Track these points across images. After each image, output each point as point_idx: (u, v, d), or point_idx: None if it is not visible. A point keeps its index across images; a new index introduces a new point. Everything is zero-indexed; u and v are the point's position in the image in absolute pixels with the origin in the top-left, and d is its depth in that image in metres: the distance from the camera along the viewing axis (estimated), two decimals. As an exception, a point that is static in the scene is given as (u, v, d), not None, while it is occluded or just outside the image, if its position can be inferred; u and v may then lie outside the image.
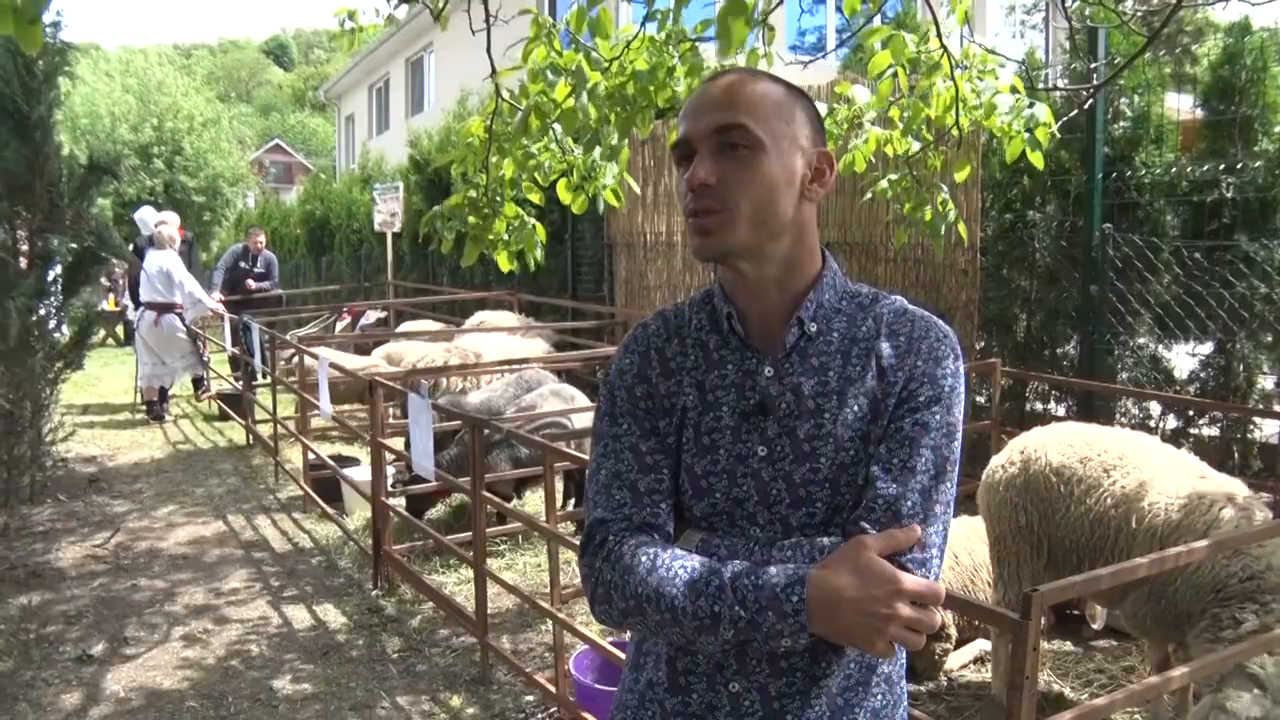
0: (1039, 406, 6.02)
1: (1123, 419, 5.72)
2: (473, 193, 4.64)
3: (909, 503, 1.31)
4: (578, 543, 1.49)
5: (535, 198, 4.75)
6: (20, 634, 4.67)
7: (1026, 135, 3.93)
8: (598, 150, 4.41)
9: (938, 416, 1.35)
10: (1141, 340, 5.54)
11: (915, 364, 1.37)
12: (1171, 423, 5.60)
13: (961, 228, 4.38)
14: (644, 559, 1.34)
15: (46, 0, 2.34)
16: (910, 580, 1.23)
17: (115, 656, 4.49)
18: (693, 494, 1.42)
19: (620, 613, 1.36)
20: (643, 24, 4.42)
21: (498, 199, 4.66)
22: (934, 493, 1.33)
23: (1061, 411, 5.95)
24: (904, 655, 1.49)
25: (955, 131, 3.89)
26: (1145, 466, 3.49)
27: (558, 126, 4.44)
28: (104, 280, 15.50)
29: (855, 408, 1.37)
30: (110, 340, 17.02)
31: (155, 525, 6.56)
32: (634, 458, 1.43)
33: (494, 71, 4.31)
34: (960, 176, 4.34)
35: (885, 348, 1.39)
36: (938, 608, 1.26)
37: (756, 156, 1.37)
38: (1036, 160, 3.94)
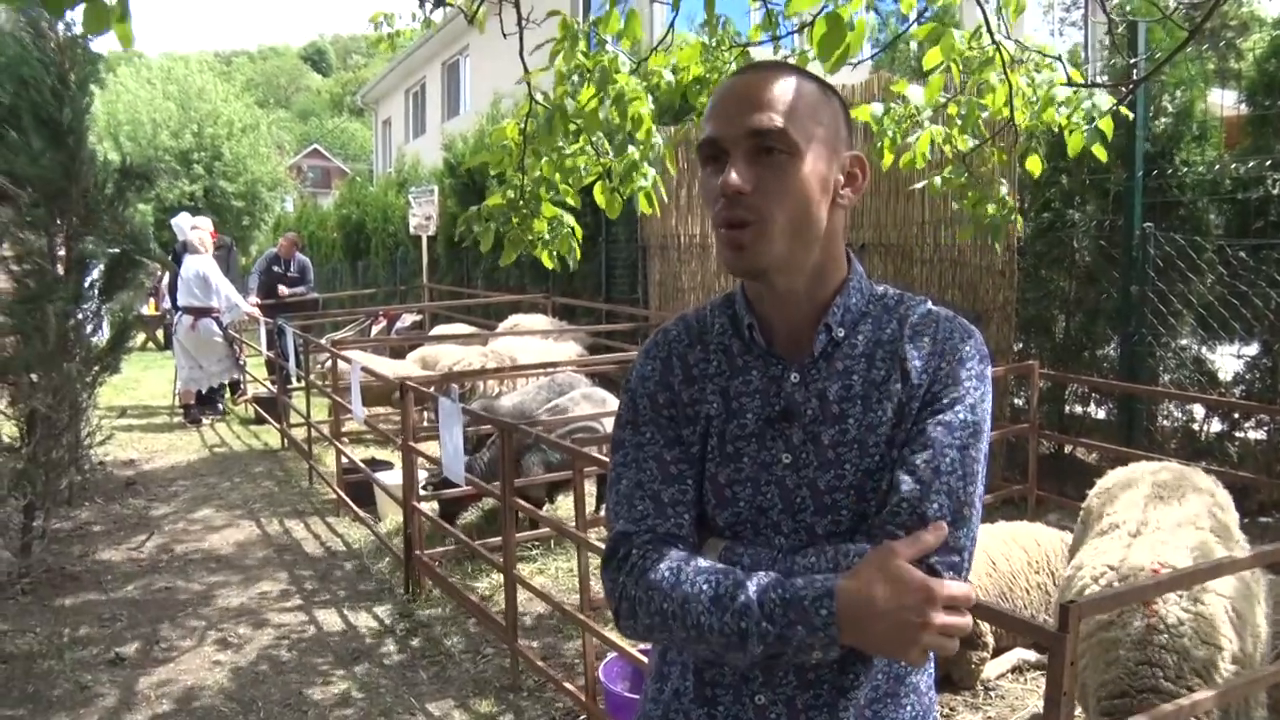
0: (1078, 409, 5.91)
1: (1165, 421, 5.60)
2: (511, 193, 4.63)
3: (935, 505, 1.26)
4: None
5: (572, 200, 4.73)
6: (56, 635, 4.70)
7: (1087, 129, 3.84)
8: (634, 151, 4.37)
9: (961, 416, 1.30)
10: (1184, 341, 5.42)
11: (940, 365, 1.33)
12: (1216, 426, 5.48)
13: (1020, 224, 4.31)
14: (667, 573, 1.30)
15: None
16: (943, 585, 1.18)
17: (148, 659, 4.51)
18: (716, 503, 1.38)
19: (645, 628, 1.32)
20: (669, 28, 4.39)
21: (536, 200, 4.65)
22: (961, 494, 1.28)
23: (1101, 414, 5.84)
24: (934, 664, 1.44)
25: (1013, 126, 3.81)
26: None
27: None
28: (146, 284, 15.68)
29: (880, 412, 1.33)
30: (151, 344, 17.20)
31: (191, 528, 6.60)
32: (657, 467, 1.39)
33: (526, 73, 4.29)
34: (1033, 168, 4.23)
35: (910, 350, 1.35)
36: (969, 611, 1.22)
37: (794, 163, 1.30)
38: (1100, 153, 3.84)
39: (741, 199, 1.30)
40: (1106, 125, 3.82)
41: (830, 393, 1.35)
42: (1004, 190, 4.18)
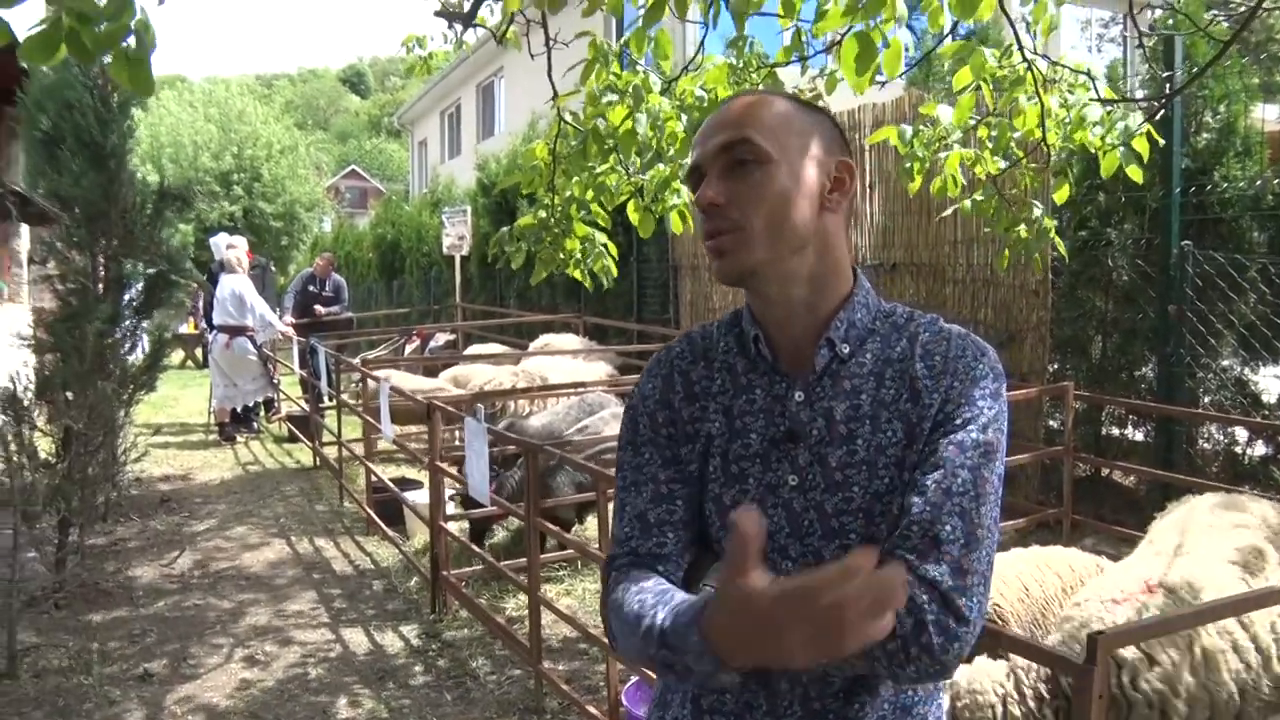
0: (1115, 431, 5.80)
1: (1205, 444, 5.48)
2: (543, 213, 4.64)
3: (947, 527, 1.21)
4: None
5: (603, 220, 4.73)
6: (86, 650, 4.72)
7: (1122, 150, 3.77)
8: (665, 168, 4.36)
9: (974, 436, 1.26)
10: (1225, 362, 5.31)
11: (951, 385, 1.29)
12: (1260, 449, 5.36)
13: (1061, 245, 4.23)
14: (620, 594, 1.29)
15: (153, 44, 2.41)
16: (768, 589, 1.01)
17: (175, 675, 4.51)
18: (721, 526, 1.34)
19: (624, 651, 1.31)
20: (701, 44, 4.37)
21: (567, 220, 4.65)
22: (974, 515, 1.23)
23: (1139, 436, 5.73)
24: (944, 698, 1.39)
25: (1044, 147, 3.75)
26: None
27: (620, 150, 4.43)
28: (187, 303, 15.90)
29: (889, 433, 1.29)
30: (190, 362, 17.40)
31: (223, 546, 6.63)
32: (651, 487, 1.38)
33: (555, 95, 4.29)
34: (1059, 197, 4.17)
35: (920, 369, 1.31)
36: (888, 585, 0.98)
37: (766, 170, 1.31)
38: (1135, 174, 3.77)
39: (717, 210, 1.31)
40: (1141, 145, 3.75)
41: (837, 412, 1.32)
42: (1038, 212, 4.10)
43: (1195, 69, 4.91)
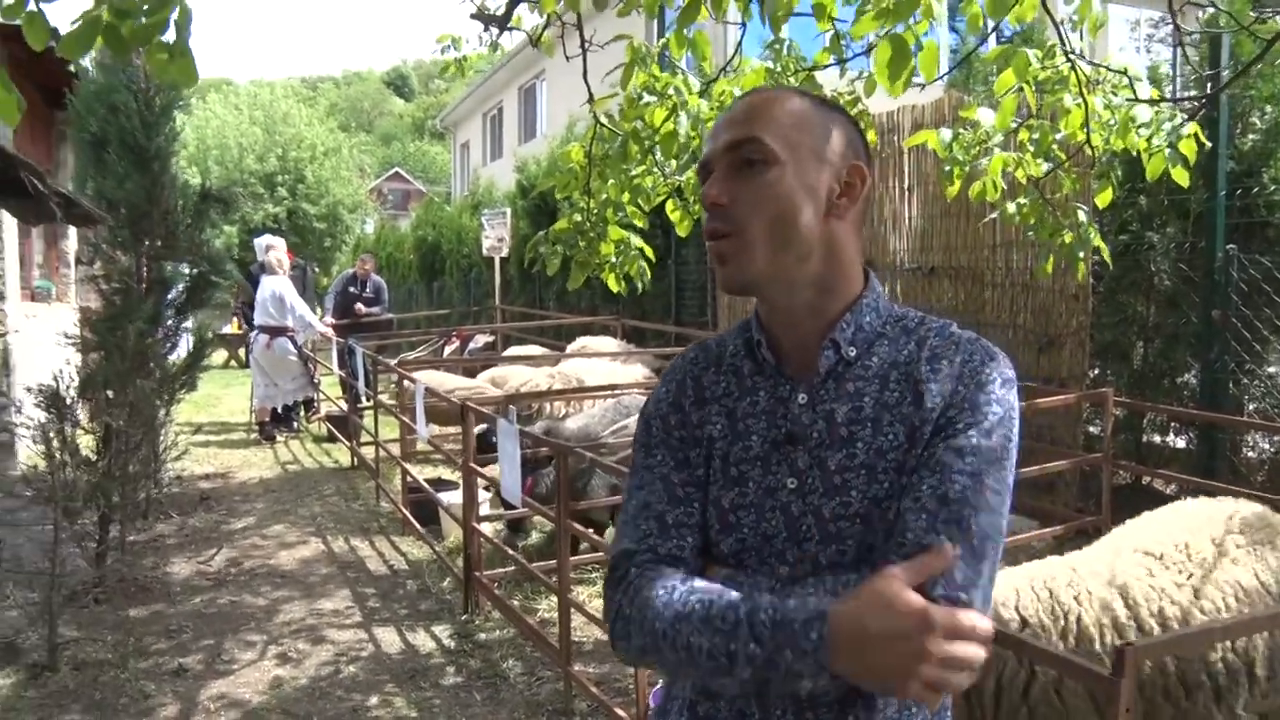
0: (1156, 438, 5.70)
1: (1250, 453, 5.37)
2: (578, 217, 4.64)
3: (941, 537, 1.18)
4: None
5: (640, 221, 4.72)
6: (123, 645, 4.78)
7: (1168, 152, 3.70)
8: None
9: (974, 441, 1.22)
10: (1271, 369, 5.19)
11: (956, 389, 1.26)
12: (1306, 458, 5.24)
13: (1104, 250, 4.15)
14: (662, 592, 1.25)
15: (188, 31, 2.44)
16: (943, 612, 1.08)
17: (209, 671, 4.56)
18: (720, 528, 1.33)
19: (639, 650, 1.27)
20: (738, 47, 4.35)
21: (602, 223, 4.65)
22: (971, 524, 1.19)
23: (1182, 444, 5.62)
24: (949, 711, 1.36)
25: (1088, 150, 3.68)
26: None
27: (658, 151, 4.41)
28: (232, 304, 16.11)
29: (890, 436, 1.26)
30: (234, 362, 17.60)
31: (259, 544, 6.70)
32: (664, 489, 1.36)
33: (591, 98, 4.29)
34: (1102, 201, 4.09)
35: (926, 372, 1.28)
36: (983, 644, 1.10)
37: (773, 172, 1.28)
38: (1181, 177, 3.70)
39: (719, 211, 1.30)
40: (1188, 147, 3.68)
41: (838, 415, 1.29)
42: (1081, 216, 4.02)
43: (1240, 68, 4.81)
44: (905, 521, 1.20)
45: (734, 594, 1.21)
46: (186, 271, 7.26)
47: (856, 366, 1.31)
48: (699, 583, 1.26)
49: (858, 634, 1.09)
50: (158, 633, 5.01)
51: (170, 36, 2.44)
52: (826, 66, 4.07)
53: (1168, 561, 2.78)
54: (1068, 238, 4.02)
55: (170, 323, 7.12)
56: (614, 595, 1.32)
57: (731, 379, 1.39)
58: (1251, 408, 5.23)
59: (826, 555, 1.26)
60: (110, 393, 5.89)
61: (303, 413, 11.34)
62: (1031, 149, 3.98)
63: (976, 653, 1.09)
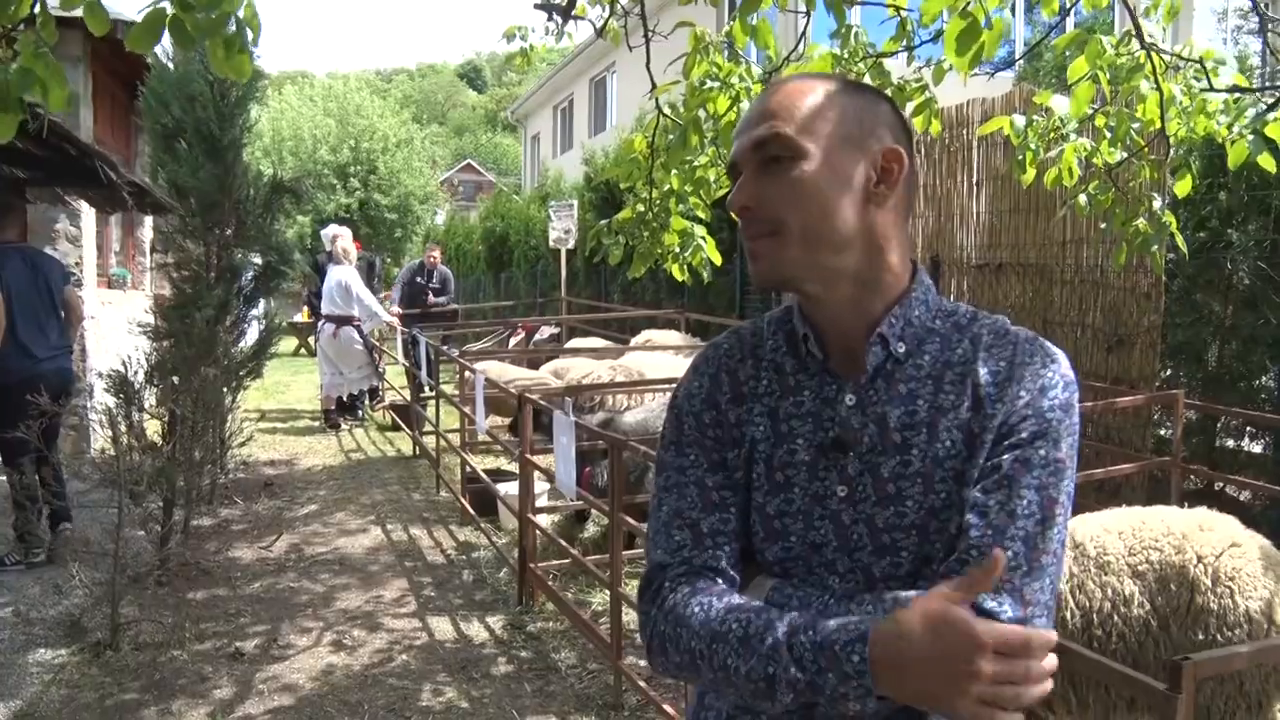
0: (1229, 443, 5.49)
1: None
2: (640, 207, 4.60)
3: (1009, 553, 1.11)
4: None
5: (703, 213, 4.67)
6: (183, 627, 4.86)
7: (1251, 139, 3.52)
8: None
9: (1042, 452, 1.16)
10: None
11: (1018, 393, 1.18)
12: (1391, 466, 5.01)
13: (1180, 241, 3.99)
14: (698, 609, 1.19)
15: (258, 33, 2.48)
16: (994, 627, 1.00)
17: (265, 656, 4.61)
18: (765, 536, 1.27)
19: (675, 667, 1.22)
20: (803, 35, 4.28)
21: (665, 213, 4.61)
22: (1039, 540, 1.13)
23: (1258, 449, 5.41)
24: None
25: (1165, 137, 3.53)
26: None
27: (720, 142, 4.36)
28: (303, 293, 16.38)
29: (948, 442, 1.19)
30: (303, 350, 17.90)
31: (320, 531, 6.78)
32: (699, 493, 1.29)
33: (654, 87, 4.25)
34: (1181, 189, 3.92)
35: (983, 373, 1.21)
36: (1043, 658, 1.01)
37: (801, 165, 1.21)
38: (1268, 163, 3.52)
39: (751, 213, 1.24)
40: (1276, 131, 3.49)
41: (891, 419, 1.22)
42: (1156, 205, 3.86)
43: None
44: (969, 537, 1.15)
45: (773, 613, 1.16)
46: (256, 260, 7.37)
47: (907, 365, 1.24)
48: (736, 599, 1.21)
49: (901, 656, 1.03)
50: (217, 616, 5.09)
51: (232, 28, 2.46)
52: (894, 54, 3.97)
53: (1080, 553, 2.99)
54: (1143, 226, 3.86)
55: (238, 311, 7.24)
56: (649, 610, 1.26)
57: (773, 375, 1.31)
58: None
59: (880, 567, 1.20)
60: (176, 379, 5.99)
61: (367, 401, 11.47)
62: (1109, 136, 3.83)
63: (1034, 667, 1.01)
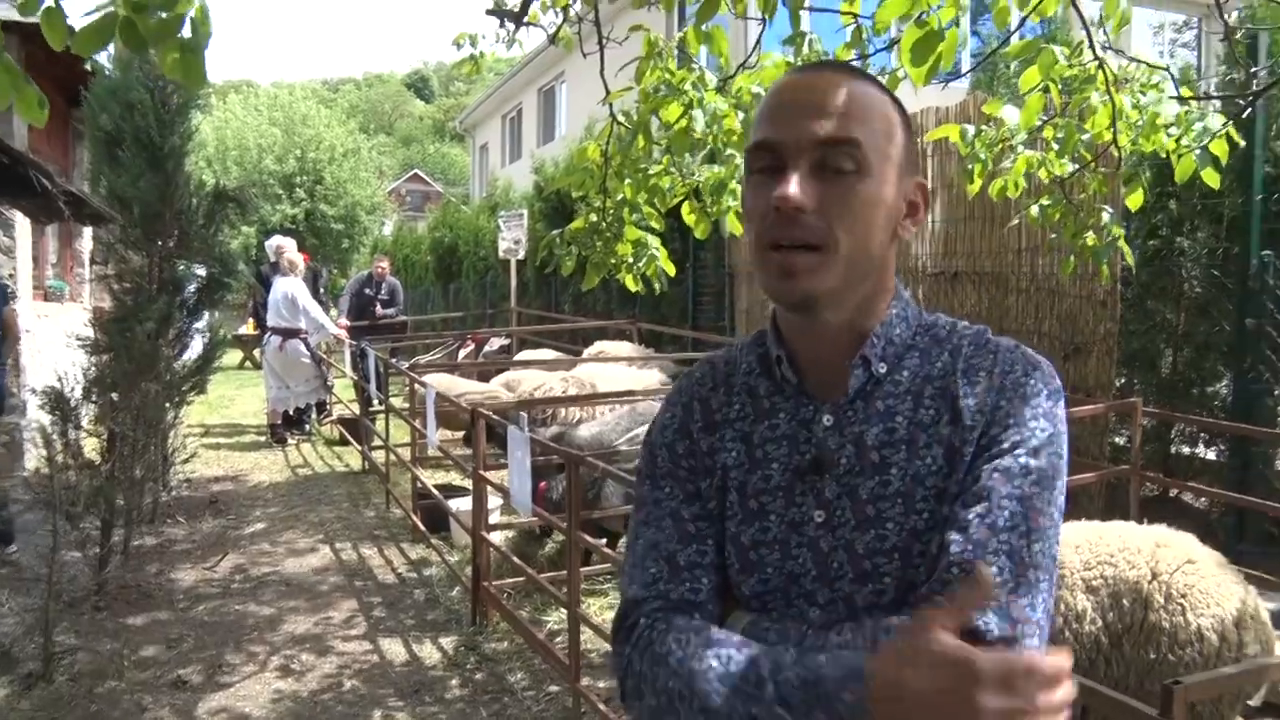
0: (1185, 450, 5.52)
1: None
2: (594, 216, 4.52)
3: (993, 569, 1.04)
4: None
5: (657, 224, 4.59)
6: (123, 656, 4.67)
7: (1198, 153, 3.54)
8: (720, 169, 4.21)
9: (1023, 461, 1.08)
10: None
11: (998, 404, 1.12)
12: (1343, 472, 5.06)
13: (1128, 253, 3.99)
14: (675, 647, 1.10)
15: (209, 36, 2.37)
16: (989, 660, 0.91)
17: (210, 683, 4.44)
18: (740, 568, 1.18)
19: (652, 711, 1.12)
20: (758, 41, 4.22)
21: (619, 223, 4.52)
22: (1024, 554, 1.05)
23: (1212, 455, 5.44)
24: None
25: (1115, 151, 3.53)
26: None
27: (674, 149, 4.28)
28: (249, 304, 16.08)
29: (928, 459, 1.12)
30: (249, 363, 17.57)
31: (267, 550, 6.59)
32: (674, 525, 1.21)
33: (608, 93, 4.17)
34: (1133, 203, 3.93)
35: (963, 386, 1.14)
36: (1050, 683, 0.91)
37: (864, 183, 1.11)
38: (1211, 179, 3.53)
39: (800, 218, 1.09)
40: (1220, 148, 3.51)
41: (869, 437, 1.14)
42: (1106, 217, 3.87)
43: (1278, 69, 4.64)
44: (949, 554, 1.06)
45: (756, 649, 1.07)
46: (199, 272, 7.18)
47: (886, 383, 1.17)
48: (716, 634, 1.12)
49: (897, 693, 0.94)
50: (158, 642, 4.90)
51: (187, 33, 2.35)
52: (848, 62, 3.92)
53: None
54: (1091, 240, 3.87)
55: (181, 323, 7.04)
56: (623, 649, 1.17)
57: (745, 400, 1.24)
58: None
59: (862, 596, 1.12)
60: (116, 395, 5.79)
61: (314, 415, 11.25)
62: (1056, 148, 3.83)
63: (1043, 696, 0.91)
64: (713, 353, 1.35)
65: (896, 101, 1.19)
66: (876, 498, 1.12)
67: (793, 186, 1.09)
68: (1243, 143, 3.93)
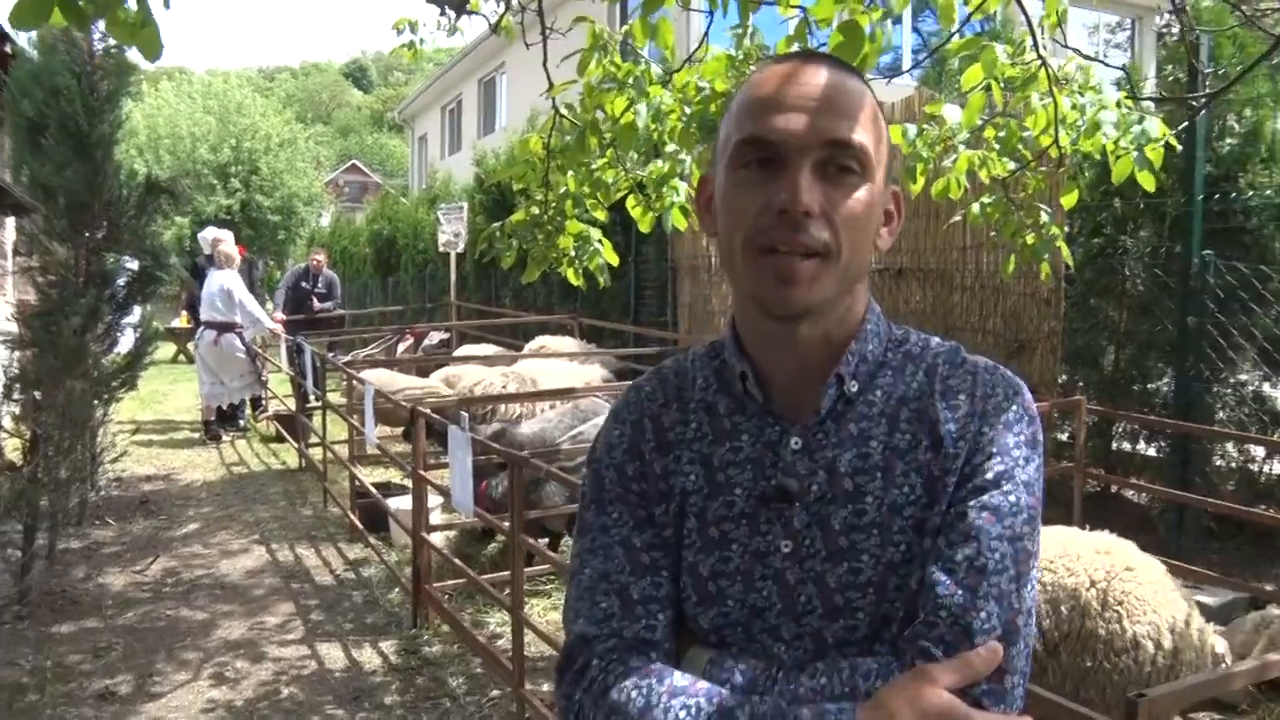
0: (1126, 446, 5.57)
1: (1221, 462, 5.26)
2: (535, 209, 4.42)
3: (981, 614, 0.98)
4: None
5: (600, 215, 4.51)
6: (46, 666, 4.49)
7: (1135, 154, 3.54)
8: (663, 164, 4.15)
9: (1013, 498, 1.02)
10: (1243, 377, 5.09)
11: (980, 430, 1.05)
12: (1277, 468, 5.14)
13: (1066, 252, 4.00)
14: (635, 694, 1.01)
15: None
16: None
17: (139, 694, 4.28)
18: (698, 600, 1.10)
19: None
20: (705, 35, 4.15)
21: (560, 216, 4.44)
22: (1014, 599, 0.99)
23: (1152, 452, 5.50)
24: None
25: (1055, 151, 3.52)
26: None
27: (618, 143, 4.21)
28: (183, 296, 15.70)
29: (906, 488, 1.05)
30: (182, 356, 17.16)
31: (200, 552, 6.40)
32: (625, 554, 1.12)
33: (550, 86, 4.09)
34: (1067, 202, 3.93)
35: (943, 410, 1.07)
36: None
37: (864, 186, 1.04)
38: (1146, 182, 3.53)
39: (806, 221, 1.01)
40: (1155, 154, 3.52)
41: (842, 463, 1.07)
42: (1045, 217, 3.87)
43: (1221, 71, 4.68)
44: (937, 597, 0.99)
45: (728, 699, 0.99)
46: (130, 265, 6.95)
47: (858, 403, 1.10)
48: (680, 680, 1.03)
49: None
50: (85, 651, 4.72)
51: (132, 4, 2.23)
52: (790, 56, 3.87)
53: None
54: (1030, 239, 3.87)
55: (110, 318, 6.81)
56: (572, 693, 1.08)
57: (703, 418, 1.15)
58: (1222, 416, 5.12)
59: (832, 631, 1.05)
60: (39, 393, 5.58)
61: (250, 411, 11.00)
62: (997, 147, 3.82)
63: None
64: (662, 364, 1.25)
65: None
66: (850, 528, 1.05)
67: (805, 190, 1.01)
68: (1179, 146, 3.95)
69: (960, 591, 0.99)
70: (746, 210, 1.05)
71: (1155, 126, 3.54)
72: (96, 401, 6.63)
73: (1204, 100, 3.53)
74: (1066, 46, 3.33)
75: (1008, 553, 1.00)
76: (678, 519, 1.13)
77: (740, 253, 1.06)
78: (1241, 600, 4.39)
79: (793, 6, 3.74)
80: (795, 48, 3.75)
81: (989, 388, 1.08)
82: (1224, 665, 2.81)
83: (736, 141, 1.08)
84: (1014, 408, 1.07)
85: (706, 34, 4.15)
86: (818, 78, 1.07)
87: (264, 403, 11.00)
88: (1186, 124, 3.41)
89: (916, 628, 1.00)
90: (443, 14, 4.58)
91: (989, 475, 1.03)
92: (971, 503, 1.02)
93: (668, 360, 1.25)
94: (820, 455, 1.08)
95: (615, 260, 4.58)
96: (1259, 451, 5.15)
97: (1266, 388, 5.10)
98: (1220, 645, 3.60)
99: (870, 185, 1.05)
